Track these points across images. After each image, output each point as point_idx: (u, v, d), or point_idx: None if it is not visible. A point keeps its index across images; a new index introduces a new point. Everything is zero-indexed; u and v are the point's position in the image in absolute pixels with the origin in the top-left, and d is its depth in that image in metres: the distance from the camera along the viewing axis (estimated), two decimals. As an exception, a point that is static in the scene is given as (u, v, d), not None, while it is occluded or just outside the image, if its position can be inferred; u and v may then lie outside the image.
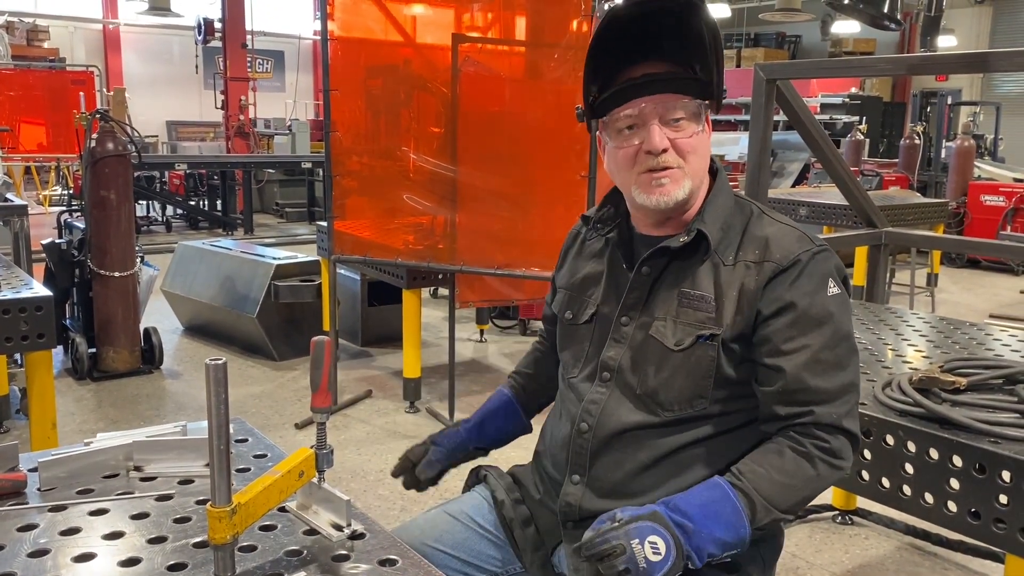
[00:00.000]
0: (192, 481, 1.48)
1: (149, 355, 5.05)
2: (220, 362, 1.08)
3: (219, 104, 13.92)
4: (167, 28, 19.20)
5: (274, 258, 5.43)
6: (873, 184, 9.19)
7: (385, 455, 3.94)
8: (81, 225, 4.98)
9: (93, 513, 1.36)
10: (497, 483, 1.66)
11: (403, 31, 4.31)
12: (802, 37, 19.88)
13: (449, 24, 4.22)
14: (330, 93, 4.13)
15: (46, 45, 16.81)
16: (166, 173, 11.87)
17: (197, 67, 16.23)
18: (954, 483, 1.74)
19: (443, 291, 6.52)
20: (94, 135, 4.78)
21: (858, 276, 6.75)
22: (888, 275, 6.32)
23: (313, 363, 1.28)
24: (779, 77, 3.15)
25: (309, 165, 11.64)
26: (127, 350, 4.90)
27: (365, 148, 4.40)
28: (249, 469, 1.53)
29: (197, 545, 1.24)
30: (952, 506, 1.75)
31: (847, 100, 14.55)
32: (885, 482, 1.89)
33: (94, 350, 4.86)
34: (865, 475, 1.93)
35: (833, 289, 1.43)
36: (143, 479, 1.49)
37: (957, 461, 1.73)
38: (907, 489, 1.84)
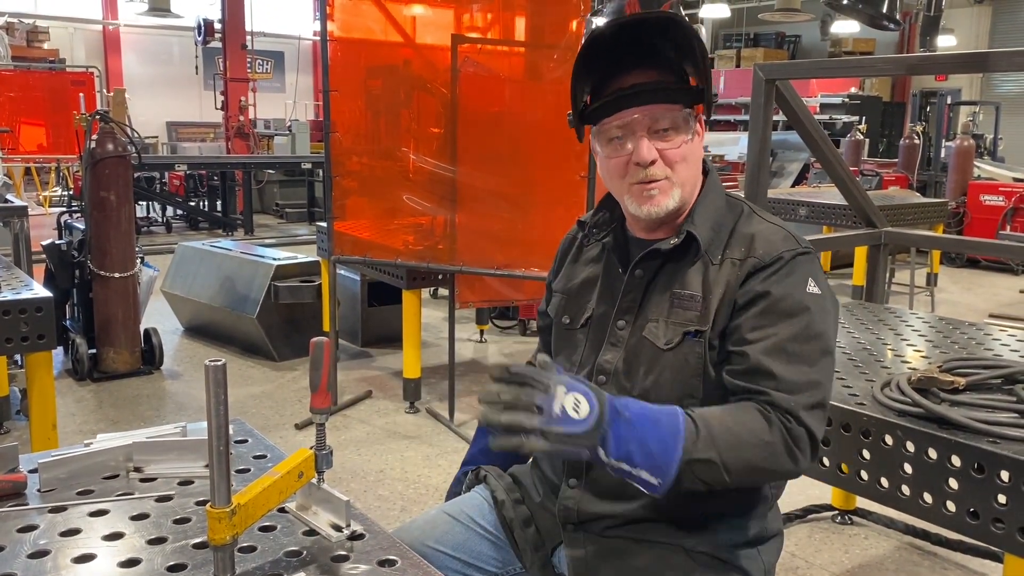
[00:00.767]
0: (192, 482, 1.48)
1: (149, 356, 5.05)
2: (220, 363, 1.08)
3: (219, 105, 13.92)
4: (167, 29, 19.21)
5: (274, 259, 5.43)
6: (873, 184, 9.19)
7: (385, 456, 3.94)
8: (81, 226, 4.98)
9: (93, 514, 1.36)
10: (497, 483, 1.66)
11: (403, 32, 4.31)
12: (801, 37, 19.88)
13: (449, 25, 4.22)
14: (330, 94, 4.14)
15: (46, 46, 16.81)
16: (166, 174, 11.87)
17: (197, 68, 16.22)
18: (953, 483, 1.74)
19: (443, 291, 6.52)
20: (94, 136, 4.78)
21: (857, 276, 6.77)
22: (888, 275, 6.32)
23: (313, 364, 1.28)
24: (778, 77, 3.15)
25: (309, 166, 11.64)
26: (127, 351, 4.90)
27: (365, 149, 4.40)
28: (249, 470, 1.53)
29: (197, 546, 1.25)
30: (951, 506, 1.76)
31: (846, 100, 14.56)
32: (884, 482, 1.89)
33: (94, 351, 4.86)
34: (864, 475, 1.93)
35: (812, 288, 1.41)
36: (143, 480, 1.49)
37: (956, 461, 1.73)
38: (906, 489, 1.84)
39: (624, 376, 1.48)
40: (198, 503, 1.39)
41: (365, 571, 1.19)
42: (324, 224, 4.59)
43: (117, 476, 1.50)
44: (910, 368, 2.26)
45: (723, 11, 15.41)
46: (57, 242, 5.07)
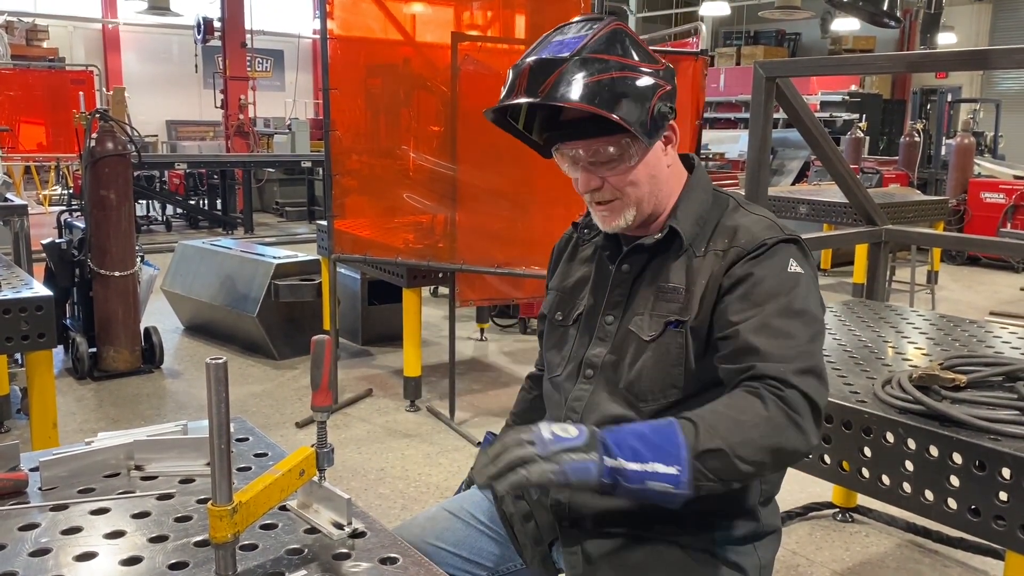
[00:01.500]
0: (193, 480, 1.48)
1: (149, 354, 5.05)
2: (221, 361, 1.08)
3: (219, 103, 13.91)
4: (166, 27, 19.18)
5: (274, 257, 5.43)
6: (873, 182, 9.19)
7: (385, 454, 3.95)
8: (81, 225, 4.98)
9: (94, 512, 1.36)
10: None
11: (403, 30, 4.31)
12: (802, 35, 19.88)
13: (449, 23, 4.22)
14: (330, 92, 4.13)
15: (45, 45, 16.79)
16: (166, 172, 11.86)
17: (197, 66, 16.21)
18: (954, 480, 1.74)
19: (443, 290, 6.52)
20: (94, 135, 4.78)
21: (858, 274, 6.77)
22: (888, 273, 6.32)
23: (313, 362, 1.28)
24: (779, 75, 3.15)
25: (309, 164, 11.63)
26: (127, 349, 4.90)
27: (365, 147, 4.40)
28: (250, 468, 1.53)
29: (198, 544, 1.25)
30: (952, 503, 1.76)
31: (847, 98, 14.55)
32: (885, 479, 1.89)
33: (94, 350, 4.86)
34: (865, 472, 1.93)
35: (794, 267, 1.41)
36: (144, 478, 1.49)
37: (957, 458, 1.73)
38: (907, 486, 1.84)
39: (611, 369, 1.50)
40: (199, 501, 1.39)
41: (366, 569, 1.19)
42: (324, 222, 4.59)
43: (118, 474, 1.50)
44: (911, 366, 2.26)
45: (723, 9, 15.41)
46: (57, 241, 5.07)
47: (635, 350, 1.47)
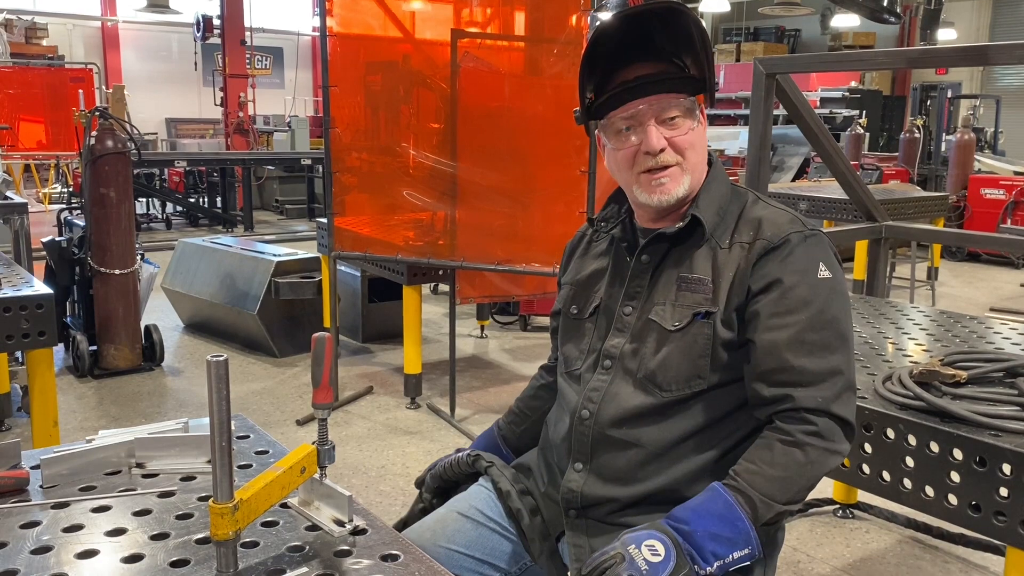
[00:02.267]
0: (194, 477, 1.48)
1: (150, 352, 5.05)
2: (221, 359, 1.08)
3: (218, 101, 13.91)
4: (166, 25, 19.19)
5: (274, 255, 5.43)
6: (873, 178, 9.18)
7: (386, 451, 3.95)
8: (81, 223, 4.98)
9: (95, 510, 1.36)
10: (501, 474, 1.66)
11: (402, 27, 4.31)
12: (801, 31, 19.87)
13: (448, 20, 4.21)
14: (329, 89, 4.13)
15: (44, 43, 16.77)
16: (166, 170, 11.87)
17: (196, 64, 16.21)
18: (955, 476, 1.74)
19: (443, 287, 6.51)
20: (93, 133, 4.78)
21: (858, 270, 6.76)
22: (888, 269, 6.32)
23: (314, 359, 1.28)
24: (779, 71, 3.15)
25: (309, 162, 11.63)
26: (128, 347, 4.90)
27: (365, 144, 4.40)
28: (251, 465, 1.53)
29: (199, 541, 1.25)
30: (953, 499, 1.76)
31: (847, 94, 14.52)
32: (886, 475, 1.89)
33: (95, 348, 4.86)
34: (866, 469, 1.93)
35: (824, 272, 1.44)
36: (145, 476, 1.49)
37: (957, 454, 1.73)
38: (908, 482, 1.84)
39: (631, 359, 1.49)
40: (200, 499, 1.39)
41: (368, 566, 1.19)
42: (324, 220, 4.58)
43: (119, 472, 1.50)
44: (911, 362, 2.26)
45: (723, 5, 15.39)
46: (57, 239, 5.07)
47: (657, 339, 1.47)
